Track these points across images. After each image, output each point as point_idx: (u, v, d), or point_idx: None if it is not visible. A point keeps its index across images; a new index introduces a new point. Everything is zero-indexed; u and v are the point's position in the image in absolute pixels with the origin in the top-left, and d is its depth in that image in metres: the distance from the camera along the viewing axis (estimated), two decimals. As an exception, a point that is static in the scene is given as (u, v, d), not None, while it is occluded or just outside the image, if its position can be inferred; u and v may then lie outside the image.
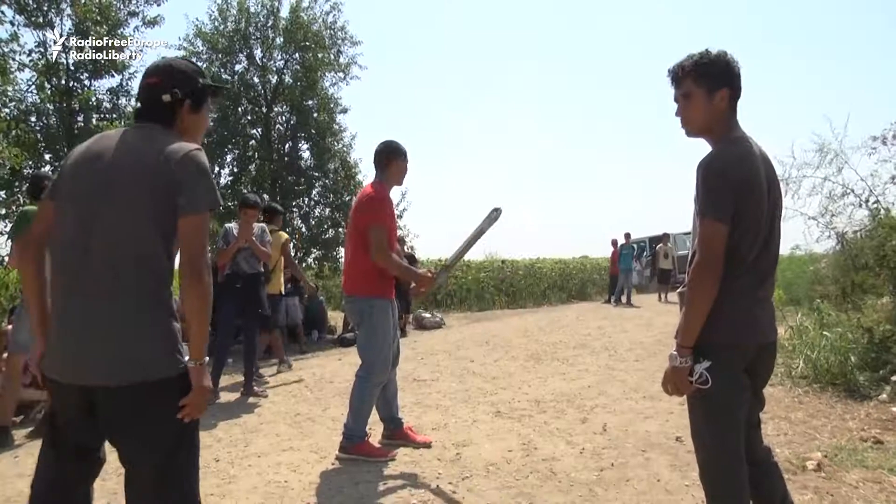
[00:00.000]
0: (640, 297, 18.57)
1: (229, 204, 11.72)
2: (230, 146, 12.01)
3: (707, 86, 2.09)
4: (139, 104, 2.00)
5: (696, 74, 2.10)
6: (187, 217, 1.78)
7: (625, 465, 3.58)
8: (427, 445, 4.07)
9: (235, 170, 12.23)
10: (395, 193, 17.44)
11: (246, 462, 3.84)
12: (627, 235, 17.09)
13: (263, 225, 5.97)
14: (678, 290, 2.20)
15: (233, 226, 5.79)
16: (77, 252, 1.76)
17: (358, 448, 3.80)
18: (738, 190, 1.96)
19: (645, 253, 22.55)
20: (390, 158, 3.99)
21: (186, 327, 1.82)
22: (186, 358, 1.82)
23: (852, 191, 6.45)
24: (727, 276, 1.98)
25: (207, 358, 1.85)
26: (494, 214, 3.97)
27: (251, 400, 5.63)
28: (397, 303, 8.26)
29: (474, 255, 24.97)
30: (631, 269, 16.62)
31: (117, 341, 1.73)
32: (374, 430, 4.15)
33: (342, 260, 13.15)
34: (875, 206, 6.12)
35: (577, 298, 21.46)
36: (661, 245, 17.74)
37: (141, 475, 1.83)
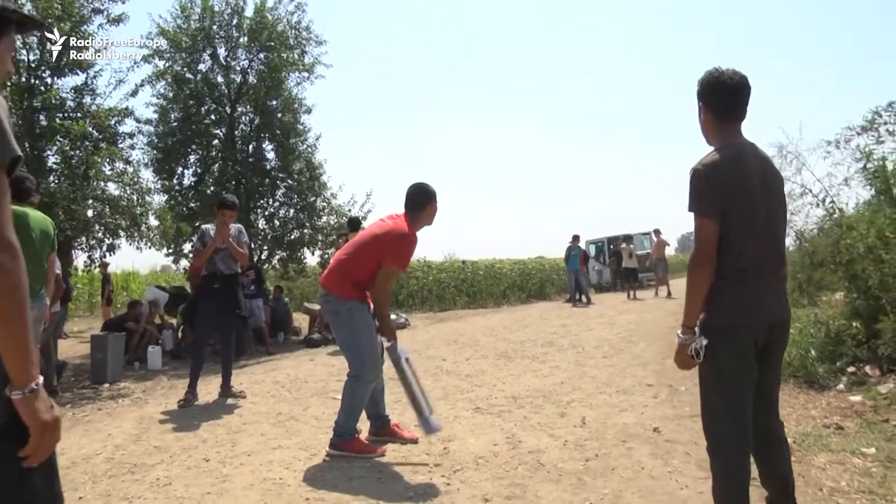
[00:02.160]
0: (602, 297, 18.99)
1: (192, 205, 11.60)
2: (194, 146, 11.84)
3: (698, 102, 2.44)
4: None
5: (697, 93, 2.44)
6: None
7: (608, 456, 3.73)
8: (414, 441, 4.16)
9: (199, 170, 12.05)
10: (360, 193, 17.43)
11: (237, 461, 3.86)
12: (575, 237, 17.44)
13: (240, 226, 5.95)
14: None
15: (210, 227, 5.75)
16: None
17: (349, 445, 3.87)
18: (725, 188, 2.21)
19: (603, 253, 23.03)
20: (426, 202, 4.08)
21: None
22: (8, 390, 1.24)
23: (810, 191, 6.80)
24: (728, 265, 2.22)
25: (40, 380, 1.27)
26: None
27: (230, 401, 5.62)
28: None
29: (434, 255, 25.07)
30: (578, 269, 16.95)
31: None
32: (361, 428, 4.21)
33: (306, 261, 13.11)
34: (831, 205, 6.45)
35: (537, 298, 21.74)
36: (624, 245, 18.41)
37: None
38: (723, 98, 2.35)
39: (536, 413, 4.84)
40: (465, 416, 4.84)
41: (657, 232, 18.92)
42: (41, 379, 1.27)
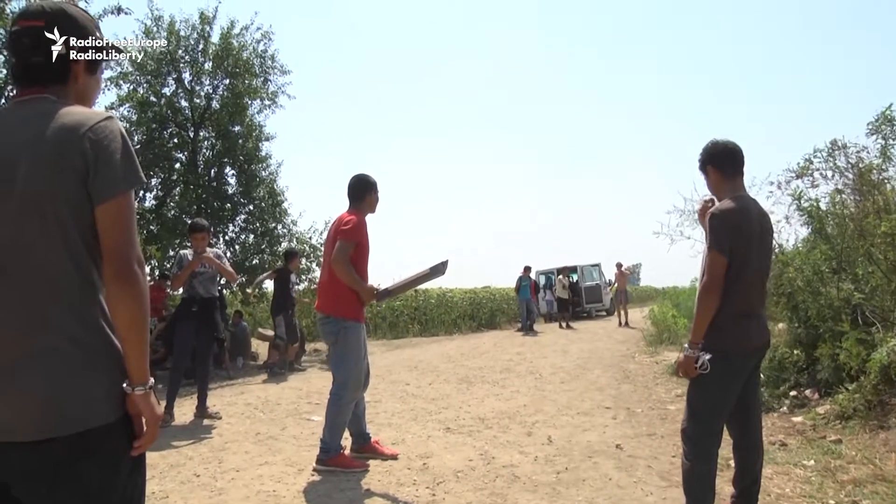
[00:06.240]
0: (552, 326, 19.50)
1: (152, 227, 11.58)
2: (156, 169, 11.85)
3: (703, 167, 3.00)
4: (16, 59, 1.47)
5: (699, 161, 3.02)
6: (104, 204, 1.36)
7: (577, 469, 4.05)
8: (394, 457, 4.40)
9: (160, 193, 12.07)
10: (320, 220, 17.13)
11: (227, 476, 4.03)
12: (527, 268, 18.11)
13: (217, 250, 6.11)
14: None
15: (187, 252, 5.88)
16: None
17: (335, 460, 4.08)
18: (733, 232, 2.69)
19: (552, 284, 23.65)
20: (367, 191, 4.38)
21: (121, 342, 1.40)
22: (125, 385, 1.39)
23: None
24: (733, 307, 2.71)
25: (152, 379, 1.43)
26: (441, 267, 4.34)
27: (206, 421, 5.72)
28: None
29: (386, 284, 25.13)
30: (529, 298, 17.58)
31: (42, 384, 1.30)
32: (345, 444, 4.42)
33: (266, 287, 13.13)
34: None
35: (487, 327, 22.10)
36: (560, 276, 19.25)
37: None
38: (726, 159, 2.91)
39: (504, 433, 5.13)
40: (437, 435, 5.09)
41: (619, 265, 19.97)
42: (152, 380, 1.44)
